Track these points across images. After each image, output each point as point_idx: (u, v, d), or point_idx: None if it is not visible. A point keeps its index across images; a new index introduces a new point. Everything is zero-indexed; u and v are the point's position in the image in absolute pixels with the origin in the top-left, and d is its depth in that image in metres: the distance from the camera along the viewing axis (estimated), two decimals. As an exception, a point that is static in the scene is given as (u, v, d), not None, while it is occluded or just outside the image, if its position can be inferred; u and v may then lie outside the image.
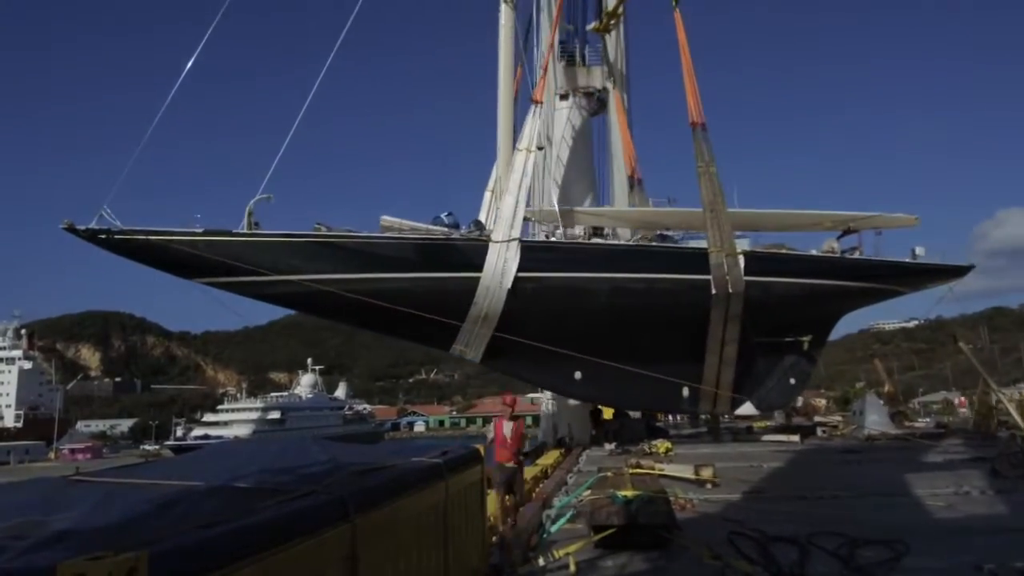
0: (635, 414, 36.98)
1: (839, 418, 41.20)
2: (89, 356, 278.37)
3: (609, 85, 36.61)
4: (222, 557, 2.70)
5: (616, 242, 31.82)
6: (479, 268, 26.39)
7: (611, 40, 36.82)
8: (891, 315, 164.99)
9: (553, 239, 29.50)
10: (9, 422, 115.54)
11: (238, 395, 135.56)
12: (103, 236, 23.80)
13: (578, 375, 28.81)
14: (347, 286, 25.74)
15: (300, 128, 27.72)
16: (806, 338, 31.22)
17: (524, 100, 31.64)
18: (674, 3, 31.15)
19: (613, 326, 28.28)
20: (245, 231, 25.23)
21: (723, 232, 28.25)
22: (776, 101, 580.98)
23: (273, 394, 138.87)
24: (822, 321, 32.76)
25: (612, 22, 35.83)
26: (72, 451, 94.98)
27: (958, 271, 33.95)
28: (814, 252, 32.63)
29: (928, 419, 48.93)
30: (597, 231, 32.49)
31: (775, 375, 31.27)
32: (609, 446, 29.40)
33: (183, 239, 24.37)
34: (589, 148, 37.93)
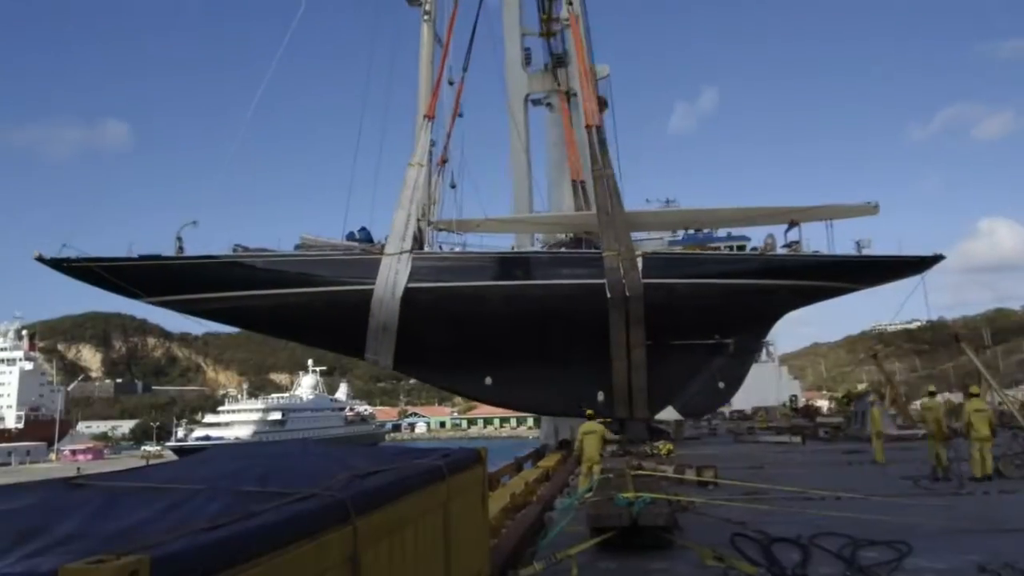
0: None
1: (841, 419, 41.19)
2: (90, 357, 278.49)
3: (553, 89, 36.81)
4: (223, 560, 2.69)
5: (508, 250, 31.96)
6: (373, 280, 28.04)
7: (555, 43, 37.03)
8: (893, 316, 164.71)
9: (446, 251, 30.47)
10: (10, 423, 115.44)
11: (239, 396, 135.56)
12: (64, 264, 27.29)
13: (488, 380, 30.21)
14: (259, 301, 28.44)
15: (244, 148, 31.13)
16: (729, 340, 30.07)
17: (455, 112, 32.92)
18: (570, 3, 31.32)
19: (511, 332, 28.78)
20: (173, 255, 28.12)
21: (618, 235, 28.11)
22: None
23: (274, 395, 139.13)
24: (751, 321, 31.15)
25: (556, 27, 36.12)
26: (73, 452, 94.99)
27: (920, 263, 31.17)
28: (724, 249, 31.83)
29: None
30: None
31: (700, 379, 30.45)
32: (610, 448, 29.39)
33: (120, 264, 27.51)
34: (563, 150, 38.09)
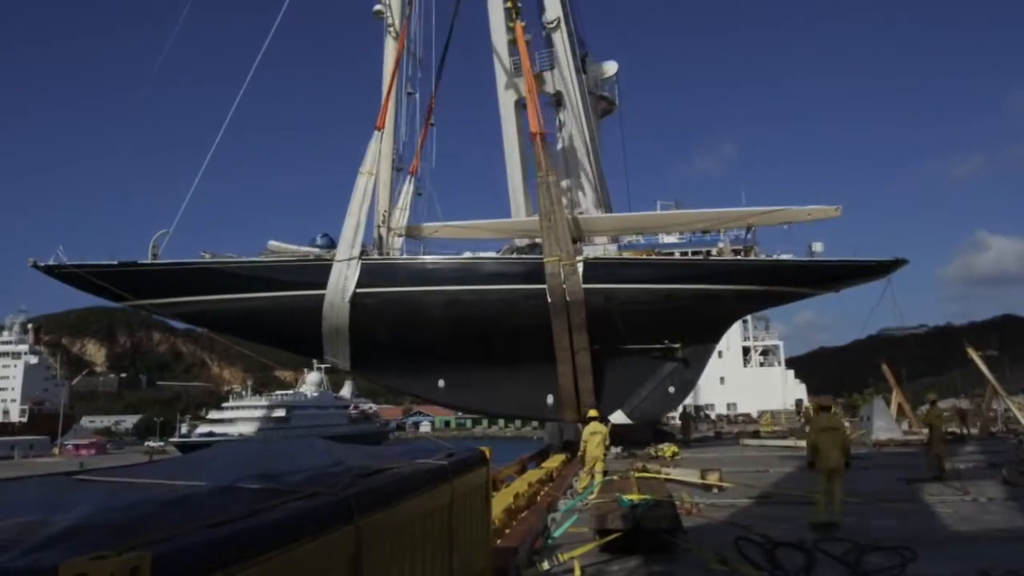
0: None
1: (847, 424, 41.10)
2: (95, 351, 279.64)
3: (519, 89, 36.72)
4: (226, 557, 2.68)
5: (453, 257, 32.29)
6: (325, 286, 29.25)
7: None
8: (900, 321, 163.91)
9: (394, 257, 31.41)
10: (14, 417, 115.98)
11: (243, 393, 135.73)
12: (56, 270, 29.61)
13: (441, 383, 31.22)
14: (224, 305, 30.11)
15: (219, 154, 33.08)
16: (678, 345, 29.88)
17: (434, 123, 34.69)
18: (515, 16, 31.63)
19: (454, 337, 29.57)
20: (147, 261, 30.01)
21: (559, 241, 28.33)
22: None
23: (278, 392, 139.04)
24: (699, 327, 30.66)
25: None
26: (76, 447, 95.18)
27: (878, 268, 30.24)
28: (675, 255, 31.73)
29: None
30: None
31: (650, 383, 30.42)
32: (615, 450, 29.39)
33: (101, 270, 29.70)
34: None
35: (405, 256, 31.93)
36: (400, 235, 32.51)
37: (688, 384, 32.13)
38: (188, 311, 31.67)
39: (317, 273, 29.75)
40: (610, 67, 39.94)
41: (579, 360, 28.34)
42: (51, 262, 29.64)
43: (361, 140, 31.17)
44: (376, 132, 31.13)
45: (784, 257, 30.26)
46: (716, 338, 33.13)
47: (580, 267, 28.58)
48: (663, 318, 29.36)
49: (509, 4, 32.21)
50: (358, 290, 29.17)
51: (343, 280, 29.23)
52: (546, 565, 9.59)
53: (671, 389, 30.85)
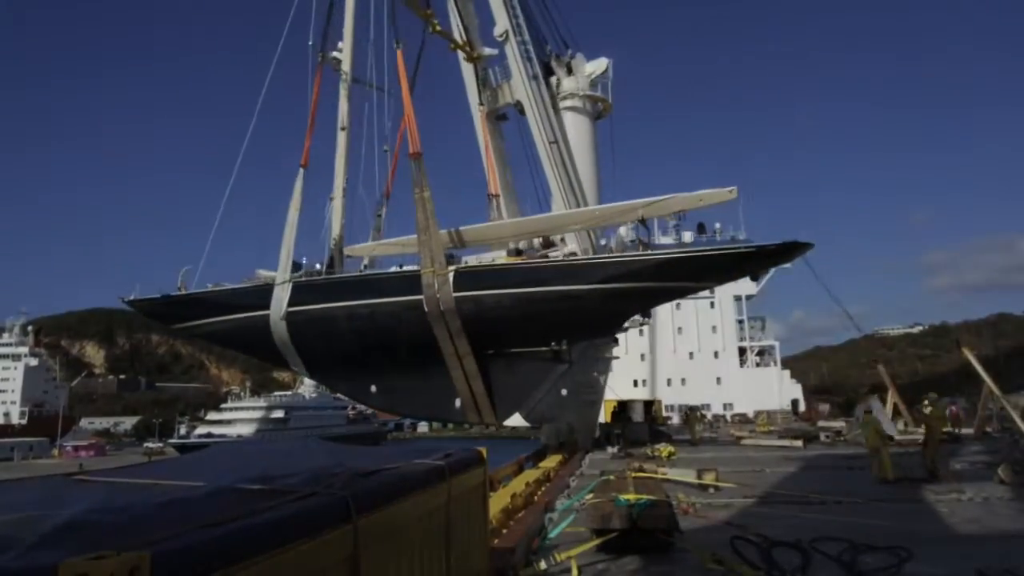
0: (638, 418, 36.99)
1: (842, 423, 41.11)
2: (94, 353, 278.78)
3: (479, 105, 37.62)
4: (224, 557, 2.70)
5: (355, 274, 34.40)
6: (268, 307, 33.14)
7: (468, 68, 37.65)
8: (895, 320, 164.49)
9: (314, 277, 34.33)
10: (14, 419, 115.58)
11: (242, 394, 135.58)
12: (132, 303, 37.57)
13: (373, 388, 34.14)
14: (219, 326, 35.46)
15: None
16: (563, 348, 29.61)
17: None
18: (396, 44, 32.51)
19: (364, 347, 32.00)
20: (173, 294, 35.92)
21: (433, 253, 29.42)
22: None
23: (277, 393, 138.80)
24: (579, 327, 29.98)
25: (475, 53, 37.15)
26: (75, 448, 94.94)
27: (778, 252, 27.75)
28: (522, 259, 31.61)
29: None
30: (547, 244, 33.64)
31: (545, 386, 30.45)
32: (612, 449, 29.42)
33: (149, 303, 37.20)
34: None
35: (323, 276, 34.50)
36: (348, 256, 36.02)
37: (582, 386, 31.58)
38: (199, 332, 37.83)
39: (266, 295, 33.53)
40: (598, 64, 39.78)
41: (466, 366, 29.50)
42: (132, 297, 37.31)
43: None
44: (301, 169, 34.93)
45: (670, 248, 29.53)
46: (602, 337, 32.14)
47: (451, 276, 29.23)
48: (535, 321, 29.15)
49: (432, 29, 34.70)
50: (290, 309, 32.78)
51: (279, 301, 32.99)
52: (543, 565, 9.62)
53: (563, 391, 30.72)
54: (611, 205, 31.39)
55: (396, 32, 32.73)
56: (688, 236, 47.67)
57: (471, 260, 33.24)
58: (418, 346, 29.98)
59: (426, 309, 29.05)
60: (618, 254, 30.45)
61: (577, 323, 29.80)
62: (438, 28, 34.88)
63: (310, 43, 36.13)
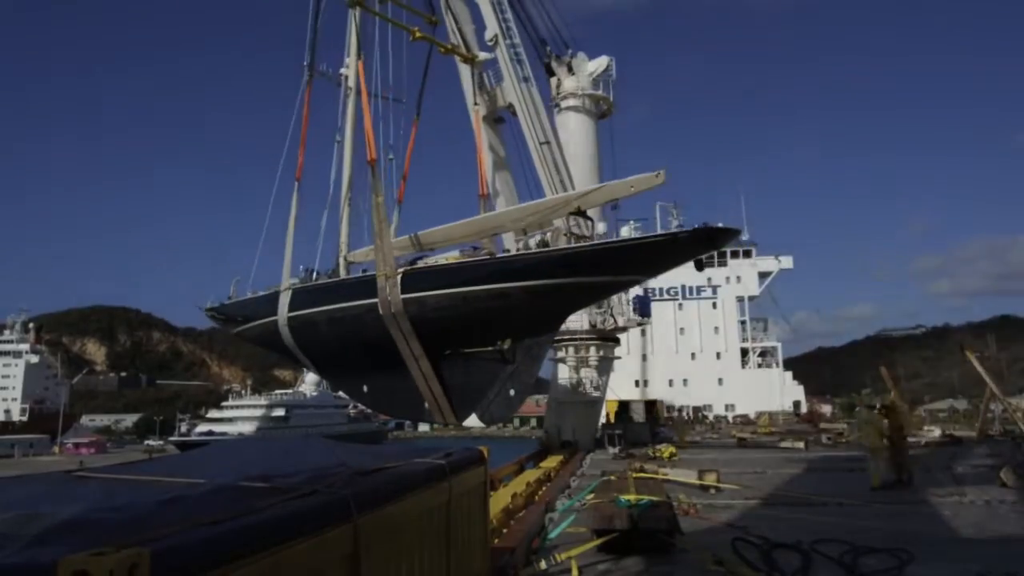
0: (639, 418, 36.99)
1: (844, 425, 41.11)
2: (95, 351, 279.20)
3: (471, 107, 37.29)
4: (224, 555, 2.69)
5: (336, 279, 34.97)
6: (276, 312, 35.15)
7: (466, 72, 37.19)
8: (898, 322, 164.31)
9: (310, 283, 35.23)
10: (15, 416, 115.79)
11: (243, 392, 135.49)
12: (205, 311, 41.81)
13: (365, 388, 35.14)
14: (251, 330, 39.15)
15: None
16: (506, 347, 29.06)
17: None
18: (358, 55, 32.41)
19: (344, 349, 33.19)
20: (228, 301, 40.11)
21: (386, 256, 30.01)
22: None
23: (278, 391, 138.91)
24: (518, 325, 29.28)
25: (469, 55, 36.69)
26: (76, 445, 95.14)
27: (703, 238, 24.67)
28: (462, 255, 31.15)
29: (934, 427, 48.61)
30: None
31: (496, 386, 30.14)
32: (613, 450, 29.42)
33: (212, 310, 41.38)
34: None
35: (312, 282, 35.50)
36: (350, 263, 36.87)
37: (527, 385, 31.31)
38: (247, 336, 41.10)
39: (273, 302, 35.33)
40: (600, 63, 39.86)
41: (422, 366, 29.87)
42: (208, 305, 41.24)
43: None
44: (296, 183, 36.79)
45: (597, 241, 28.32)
46: (541, 336, 31.29)
47: (399, 279, 29.40)
48: (474, 320, 28.97)
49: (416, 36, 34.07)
50: (289, 314, 34.30)
51: (283, 306, 34.64)
52: (544, 565, 9.61)
53: (511, 391, 30.50)
54: (545, 199, 31.05)
55: (359, 45, 33.06)
56: (626, 230, 46.08)
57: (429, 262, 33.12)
58: (386, 348, 30.52)
59: (380, 311, 29.58)
60: (558, 247, 27.76)
61: (512, 322, 29.28)
62: (419, 35, 34.38)
63: (304, 63, 37.53)
